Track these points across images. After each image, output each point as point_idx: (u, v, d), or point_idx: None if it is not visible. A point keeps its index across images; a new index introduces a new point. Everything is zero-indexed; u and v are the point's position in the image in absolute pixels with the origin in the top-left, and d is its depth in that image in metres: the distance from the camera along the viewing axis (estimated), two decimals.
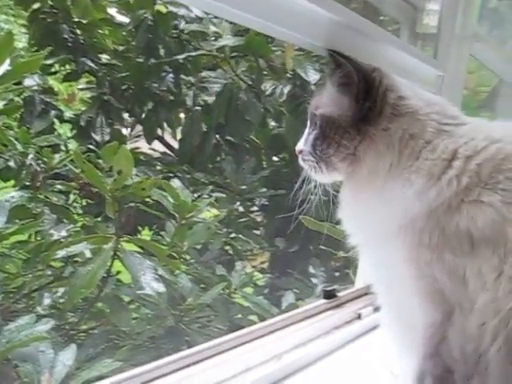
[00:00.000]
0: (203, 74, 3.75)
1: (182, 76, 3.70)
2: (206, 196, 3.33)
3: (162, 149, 4.07)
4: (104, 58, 3.80)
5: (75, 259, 2.70)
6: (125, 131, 3.97)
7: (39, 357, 1.95)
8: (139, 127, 3.93)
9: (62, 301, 2.57)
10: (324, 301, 1.69)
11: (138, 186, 2.38)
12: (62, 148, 3.43)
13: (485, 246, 0.92)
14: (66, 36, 3.58)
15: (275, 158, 4.03)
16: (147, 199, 2.98)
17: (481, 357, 0.91)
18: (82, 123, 3.54)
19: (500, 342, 0.88)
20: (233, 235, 3.60)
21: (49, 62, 3.42)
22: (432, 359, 0.98)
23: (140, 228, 3.56)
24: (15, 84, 2.99)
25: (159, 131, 3.97)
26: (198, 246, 3.21)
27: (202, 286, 2.96)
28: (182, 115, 3.89)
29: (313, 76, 3.40)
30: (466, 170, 0.97)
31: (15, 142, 2.86)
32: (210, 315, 2.92)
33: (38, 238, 2.82)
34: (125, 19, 3.76)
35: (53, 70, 3.72)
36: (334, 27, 1.18)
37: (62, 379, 1.90)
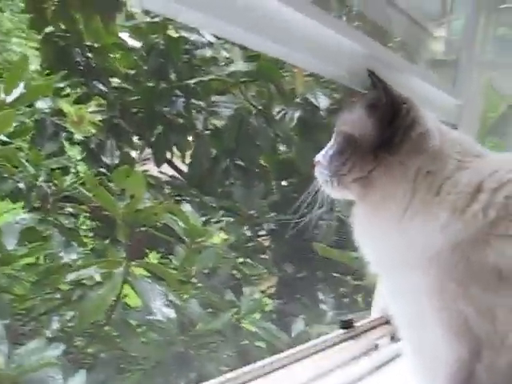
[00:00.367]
0: (213, 98, 3.76)
1: (193, 100, 3.71)
2: (215, 220, 3.32)
3: (171, 172, 4.07)
4: (115, 81, 3.82)
5: (83, 282, 2.68)
6: (134, 154, 3.97)
7: (49, 382, 1.93)
8: (148, 150, 3.93)
9: (70, 324, 2.56)
10: (341, 331, 1.67)
11: (150, 210, 2.38)
12: (72, 170, 3.43)
13: None
14: (78, 59, 3.62)
15: (284, 183, 4.03)
16: (156, 223, 2.97)
17: None
18: (92, 146, 3.55)
19: None
20: (241, 260, 3.58)
21: (60, 84, 3.43)
22: None
23: (147, 251, 3.55)
24: (27, 106, 3.02)
25: (168, 154, 3.97)
26: (206, 270, 3.20)
27: (210, 310, 2.94)
28: (191, 139, 3.89)
29: (323, 101, 3.42)
30: (492, 203, 0.95)
31: (26, 163, 2.86)
32: (218, 341, 2.89)
33: (47, 261, 2.80)
34: (136, 43, 3.79)
35: (64, 92, 3.73)
36: (355, 56, 1.18)
37: None
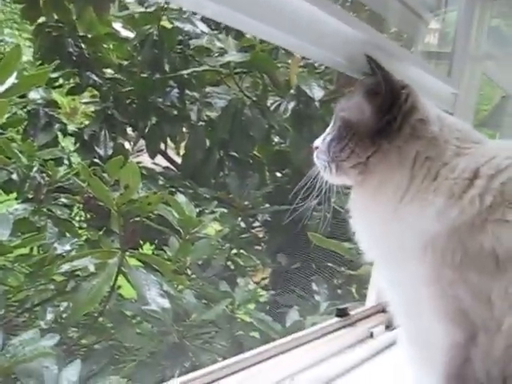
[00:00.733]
0: (207, 89, 3.75)
1: (187, 91, 3.71)
2: (209, 211, 3.32)
3: (165, 163, 4.07)
4: (108, 72, 3.81)
5: (77, 274, 2.68)
6: (128, 145, 3.96)
7: (43, 373, 1.92)
8: (142, 141, 3.92)
9: (64, 315, 2.55)
10: (336, 319, 1.68)
11: (144, 200, 2.37)
12: (65, 161, 3.42)
13: (511, 266, 0.91)
14: (71, 50, 3.60)
15: (278, 174, 4.03)
16: (150, 214, 2.97)
17: (507, 379, 0.90)
18: (86, 137, 3.53)
19: None
20: (235, 251, 3.59)
21: (53, 75, 3.42)
22: (455, 381, 0.97)
23: (141, 242, 3.55)
24: (19, 97, 3.00)
25: (162, 146, 3.96)
26: (200, 262, 3.20)
27: (205, 301, 2.95)
28: (185, 130, 3.88)
29: (317, 93, 3.41)
30: (489, 189, 0.95)
31: (19, 154, 2.85)
32: (212, 331, 2.90)
33: (41, 252, 2.80)
34: (130, 34, 3.78)
35: (57, 83, 3.71)
36: (353, 43, 1.18)
37: None
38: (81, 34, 3.63)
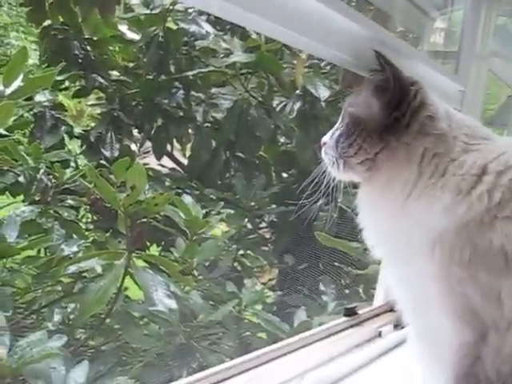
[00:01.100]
0: (213, 90, 3.75)
1: (192, 92, 3.71)
2: (215, 212, 3.32)
3: (171, 165, 4.07)
4: (114, 74, 3.81)
5: (84, 275, 2.69)
6: (134, 147, 3.97)
7: (51, 374, 1.93)
8: (148, 143, 3.93)
9: (72, 317, 2.56)
10: (344, 318, 1.67)
11: (151, 201, 2.37)
12: (72, 164, 3.43)
13: None
14: (77, 52, 3.61)
15: (285, 175, 4.02)
16: (157, 215, 2.97)
17: None
18: (92, 139, 3.54)
19: None
20: (241, 252, 3.59)
21: (60, 78, 3.42)
22: (465, 380, 0.96)
23: (148, 244, 3.55)
24: (26, 99, 3.01)
25: (168, 147, 3.97)
26: (207, 263, 3.20)
27: (211, 302, 2.95)
28: (191, 131, 3.88)
29: (323, 93, 3.40)
30: (497, 186, 0.94)
31: (26, 157, 2.86)
32: (219, 332, 2.90)
33: (48, 254, 2.80)
34: (135, 36, 3.78)
35: (63, 86, 3.72)
36: (360, 40, 1.18)
37: None
38: (86, 36, 3.64)
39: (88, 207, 3.23)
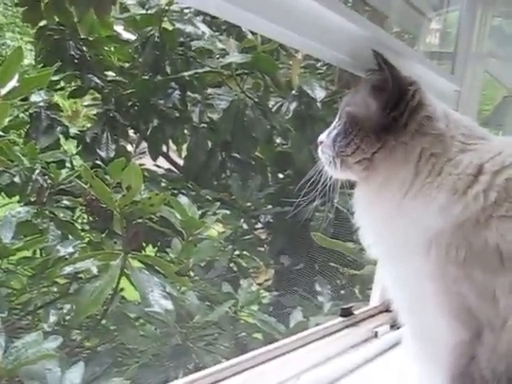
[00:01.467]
0: (209, 91, 3.75)
1: (188, 93, 3.70)
2: (211, 213, 3.32)
3: (167, 165, 4.06)
4: (110, 74, 3.80)
5: (80, 276, 2.68)
6: (130, 147, 3.96)
7: (46, 375, 1.92)
8: (144, 144, 3.92)
9: (67, 318, 2.55)
10: (341, 319, 1.68)
11: (147, 201, 2.37)
12: (67, 164, 3.42)
13: None
14: (73, 53, 3.60)
15: (281, 175, 4.02)
16: (152, 215, 2.97)
17: None
18: (88, 139, 3.54)
19: None
20: (237, 252, 3.59)
21: (55, 78, 3.41)
22: (461, 379, 0.96)
23: (144, 244, 3.54)
24: (21, 100, 3.00)
25: (164, 148, 3.96)
26: (203, 263, 3.20)
27: (208, 303, 2.94)
28: (187, 132, 3.87)
29: (319, 93, 3.41)
30: (493, 185, 0.95)
31: (21, 157, 2.85)
32: (215, 333, 2.89)
33: (44, 254, 2.80)
34: (131, 36, 3.78)
35: (59, 86, 3.71)
36: (357, 40, 1.18)
37: None
38: (82, 36, 3.62)
39: (84, 208, 3.22)
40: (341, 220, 3.00)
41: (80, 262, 2.40)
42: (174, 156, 4.16)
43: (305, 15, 1.07)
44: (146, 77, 3.66)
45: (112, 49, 3.82)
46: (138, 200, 2.42)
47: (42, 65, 3.55)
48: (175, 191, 3.51)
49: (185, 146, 3.86)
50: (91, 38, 3.65)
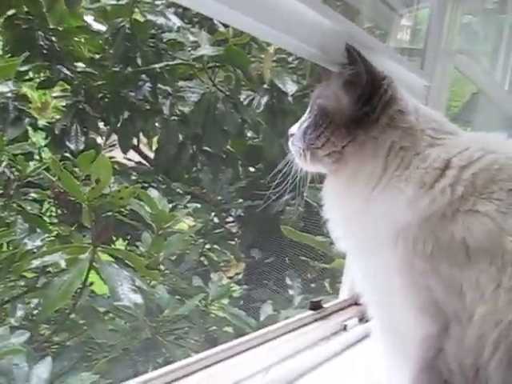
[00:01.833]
0: (180, 83, 3.72)
1: (159, 85, 3.66)
2: (182, 206, 3.30)
3: (137, 158, 4.03)
4: (80, 65, 3.74)
5: (48, 270, 2.64)
6: (100, 140, 3.91)
7: (13, 370, 1.89)
8: (114, 136, 3.88)
9: (35, 312, 2.52)
10: (310, 312, 1.68)
11: (116, 194, 2.35)
12: (36, 156, 3.36)
13: (481, 256, 0.91)
14: (42, 43, 3.53)
15: (252, 169, 4.02)
16: (122, 209, 2.94)
17: (480, 369, 0.90)
18: (57, 131, 3.48)
19: (501, 354, 0.87)
20: (208, 246, 3.58)
21: (23, 68, 3.35)
22: (428, 372, 0.97)
23: (114, 238, 3.51)
24: None
25: (135, 140, 3.92)
26: (173, 257, 3.18)
27: (178, 297, 2.93)
28: (158, 125, 3.84)
29: (290, 87, 3.41)
30: (460, 180, 0.96)
31: None
32: (185, 327, 2.88)
33: (11, 248, 2.75)
34: (101, 27, 3.72)
35: (27, 77, 3.65)
36: (329, 34, 1.18)
37: None
38: (51, 26, 3.55)
39: (52, 201, 3.17)
40: (311, 214, 3.02)
41: (48, 256, 2.36)
42: (144, 149, 4.13)
43: (277, 8, 1.08)
44: (117, 68, 3.61)
45: (82, 40, 3.75)
46: (108, 193, 2.39)
47: (9, 55, 3.48)
48: (146, 184, 3.48)
49: (155, 139, 3.83)
50: (61, 29, 3.58)
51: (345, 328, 1.72)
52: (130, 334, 2.53)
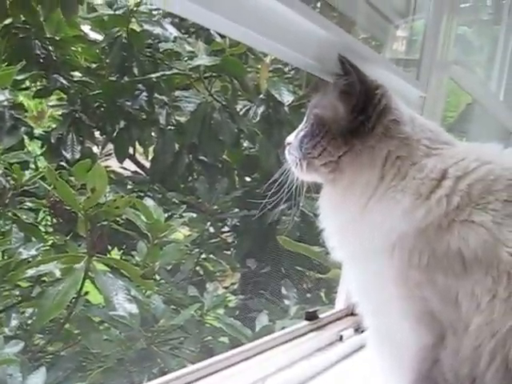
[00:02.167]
0: (177, 93, 3.73)
1: (156, 95, 3.66)
2: (177, 216, 3.30)
3: (133, 168, 4.02)
4: (76, 75, 3.74)
5: (43, 279, 2.63)
6: (96, 149, 3.91)
7: (7, 380, 1.88)
8: (110, 145, 3.87)
9: (30, 322, 2.50)
10: (306, 322, 1.68)
11: (112, 204, 2.34)
12: (32, 165, 3.36)
13: (477, 267, 0.91)
14: (38, 52, 3.53)
15: (248, 179, 4.02)
16: (118, 218, 2.93)
17: (476, 380, 0.90)
18: (53, 140, 3.47)
19: (497, 364, 0.87)
20: (203, 256, 3.57)
21: (20, 77, 3.35)
22: (424, 383, 0.97)
23: (110, 248, 3.50)
24: None
25: (131, 150, 3.92)
26: (169, 267, 3.18)
27: (173, 307, 2.92)
28: (154, 134, 3.84)
29: (287, 97, 3.42)
30: (456, 190, 0.96)
31: None
32: (181, 337, 2.87)
33: (6, 257, 2.74)
34: (98, 37, 3.73)
35: (24, 85, 3.65)
36: (325, 44, 1.19)
37: None
38: (48, 36, 3.56)
39: (47, 210, 3.16)
40: (307, 224, 3.02)
41: (43, 265, 2.35)
42: (140, 158, 4.12)
43: (273, 18, 1.08)
44: (113, 78, 3.61)
45: (79, 49, 3.75)
46: (103, 202, 2.38)
47: (6, 64, 3.48)
48: (141, 194, 3.48)
49: (151, 149, 3.82)
50: (57, 38, 3.58)
51: (341, 338, 1.71)
52: (125, 344, 2.52)
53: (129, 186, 3.59)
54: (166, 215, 2.99)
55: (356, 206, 1.04)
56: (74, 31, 3.61)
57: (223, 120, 3.52)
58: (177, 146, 3.73)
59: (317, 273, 3.38)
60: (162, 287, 3.01)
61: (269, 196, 1.19)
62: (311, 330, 1.67)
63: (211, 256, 3.63)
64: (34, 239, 2.76)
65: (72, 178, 2.65)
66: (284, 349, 1.52)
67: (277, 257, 3.48)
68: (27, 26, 3.50)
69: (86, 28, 3.74)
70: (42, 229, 3.17)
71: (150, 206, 2.70)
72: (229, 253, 3.89)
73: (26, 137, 3.48)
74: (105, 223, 2.69)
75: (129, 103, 3.61)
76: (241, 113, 3.71)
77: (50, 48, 3.58)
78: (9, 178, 2.87)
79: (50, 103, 4.16)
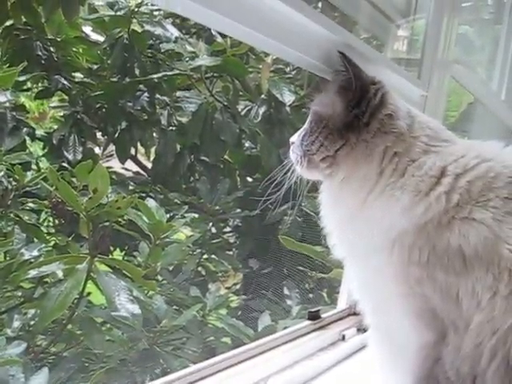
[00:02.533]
0: (178, 93, 3.73)
1: (157, 95, 3.67)
2: (179, 216, 3.30)
3: (135, 168, 4.03)
4: (78, 76, 3.75)
5: (45, 280, 2.63)
6: (97, 150, 3.91)
7: (9, 381, 1.88)
8: (112, 146, 3.87)
9: (32, 323, 2.51)
10: (308, 322, 1.68)
11: (113, 204, 2.34)
12: (33, 166, 3.36)
13: (478, 264, 0.91)
14: (40, 53, 3.53)
15: (249, 179, 4.02)
16: (120, 219, 2.93)
17: (477, 377, 0.90)
18: (55, 141, 3.47)
19: (498, 362, 0.87)
20: (205, 256, 3.57)
21: (21, 78, 3.35)
22: (426, 381, 0.97)
23: (112, 248, 3.50)
24: None
25: (132, 151, 3.92)
26: (171, 267, 3.18)
27: (175, 307, 2.92)
28: (155, 135, 3.84)
29: (288, 97, 3.42)
30: (456, 187, 0.96)
31: None
32: (183, 337, 2.87)
33: (8, 258, 2.74)
34: (100, 38, 3.73)
35: (25, 87, 3.65)
36: (326, 43, 1.19)
37: None
38: (50, 37, 3.56)
39: (49, 211, 3.16)
40: (309, 224, 3.02)
41: (45, 266, 2.35)
42: (142, 159, 4.13)
43: (275, 18, 1.08)
44: (115, 79, 3.62)
45: (80, 50, 3.75)
46: (105, 203, 2.39)
47: (7, 65, 3.49)
48: (143, 194, 3.48)
49: (153, 149, 3.83)
50: (59, 39, 3.59)
51: (343, 338, 1.71)
52: (128, 345, 2.52)
53: (130, 187, 3.59)
54: (168, 216, 3.00)
55: (354, 200, 1.05)
56: (76, 32, 3.61)
57: (224, 120, 3.52)
58: (178, 146, 3.73)
59: (319, 273, 3.38)
60: (164, 288, 3.02)
61: (269, 194, 1.20)
62: (313, 330, 1.67)
63: (213, 256, 3.63)
64: (36, 240, 2.77)
65: (74, 179, 2.65)
66: (286, 348, 1.51)
67: (279, 257, 3.48)
68: (28, 28, 3.50)
69: (87, 29, 3.75)
70: (44, 230, 3.17)
71: (151, 207, 2.71)
72: (231, 253, 3.89)
73: (27, 138, 3.48)
74: (107, 224, 2.69)
75: (130, 104, 3.61)
76: (242, 113, 3.72)
77: (52, 49, 3.59)
78: (11, 179, 2.87)
79: (52, 104, 4.17)
